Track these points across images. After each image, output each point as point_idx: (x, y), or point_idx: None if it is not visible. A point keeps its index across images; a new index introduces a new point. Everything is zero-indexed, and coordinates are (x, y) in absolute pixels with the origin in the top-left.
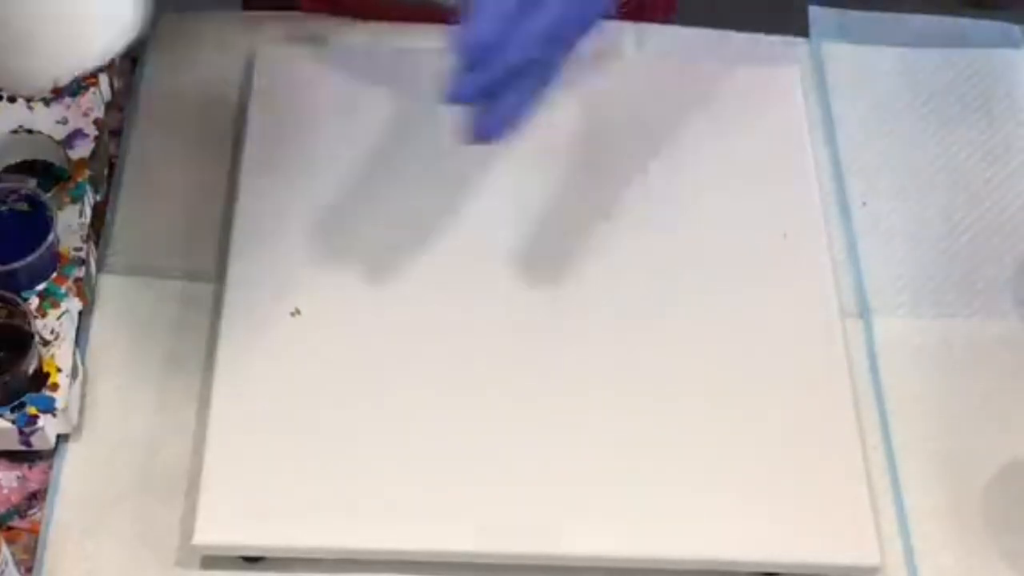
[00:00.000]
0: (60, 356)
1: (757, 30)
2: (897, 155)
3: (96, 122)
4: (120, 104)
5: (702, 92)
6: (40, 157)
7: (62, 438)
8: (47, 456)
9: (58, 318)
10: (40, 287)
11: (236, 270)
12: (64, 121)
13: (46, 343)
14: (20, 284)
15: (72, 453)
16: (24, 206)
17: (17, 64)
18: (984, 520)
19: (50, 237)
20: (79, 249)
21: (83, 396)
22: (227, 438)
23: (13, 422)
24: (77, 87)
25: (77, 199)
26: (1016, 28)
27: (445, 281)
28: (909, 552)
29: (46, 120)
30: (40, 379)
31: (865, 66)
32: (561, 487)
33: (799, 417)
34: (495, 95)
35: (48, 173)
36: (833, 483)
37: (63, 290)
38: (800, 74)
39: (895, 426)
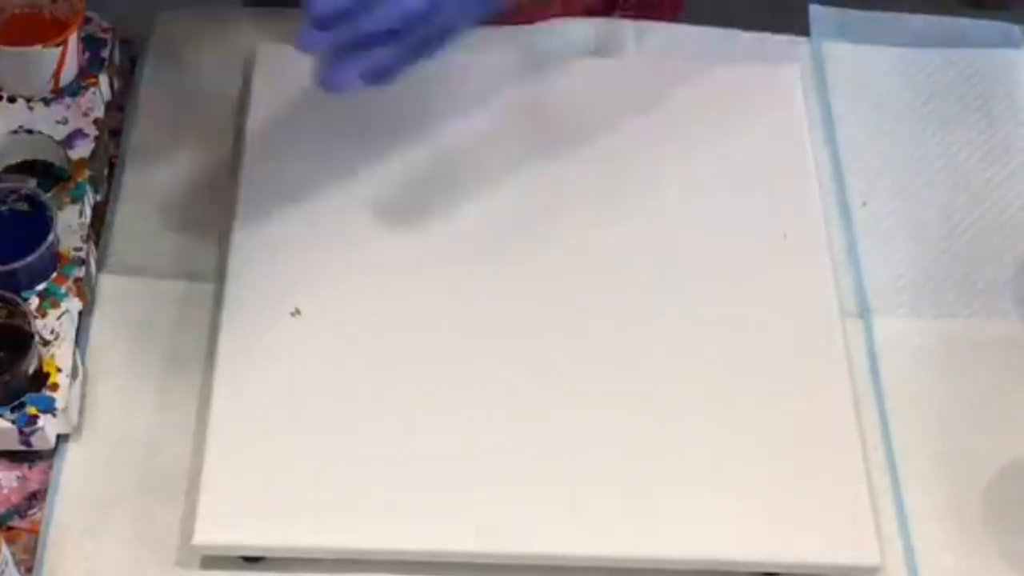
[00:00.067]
0: (60, 356)
1: (757, 29)
2: (897, 155)
3: (96, 122)
4: (120, 104)
5: (702, 92)
6: (40, 157)
7: (62, 438)
8: (47, 456)
9: (58, 318)
10: (40, 287)
11: (236, 270)
12: (64, 121)
13: (46, 343)
14: (20, 284)
15: (72, 453)
16: (24, 206)
17: None
18: (984, 520)
19: (50, 237)
20: (79, 249)
21: (83, 396)
22: (227, 438)
23: (13, 422)
24: (77, 87)
25: (77, 199)
26: (1016, 28)
27: (445, 281)
28: (909, 552)
29: (46, 120)
30: (40, 379)
31: (865, 66)
32: (561, 487)
33: (799, 417)
34: (347, 54)
35: (48, 173)
36: (833, 483)
37: (63, 290)
38: (800, 74)
39: (895, 426)
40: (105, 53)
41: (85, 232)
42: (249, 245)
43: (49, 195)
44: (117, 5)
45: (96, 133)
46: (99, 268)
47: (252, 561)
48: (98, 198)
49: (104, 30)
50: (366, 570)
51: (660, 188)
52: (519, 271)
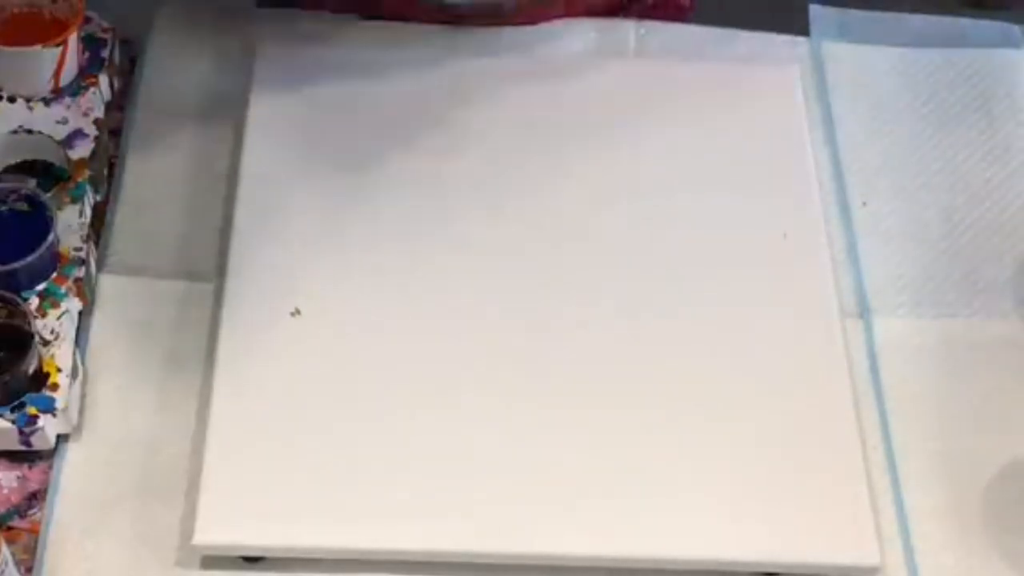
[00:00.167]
0: (60, 356)
1: (757, 29)
2: (897, 155)
3: (96, 122)
4: (120, 104)
5: (702, 92)
6: (40, 157)
7: (62, 438)
8: (47, 456)
9: (58, 318)
10: (40, 287)
11: (236, 270)
12: (64, 121)
13: (46, 343)
14: (20, 284)
15: (72, 453)
16: (24, 206)
17: None
18: (984, 520)
19: (50, 237)
20: (79, 249)
21: (83, 396)
22: (227, 438)
23: (13, 422)
24: (77, 87)
25: (77, 199)
26: (1016, 28)
27: (445, 282)
28: (909, 552)
29: (46, 120)
30: (40, 379)
31: (865, 66)
32: (561, 487)
33: (799, 417)
34: None
35: (48, 173)
36: (833, 483)
37: (63, 290)
38: (800, 74)
39: (895, 426)
40: (105, 53)
41: (85, 232)
42: (249, 245)
43: (49, 195)
44: (117, 5)
45: (96, 133)
46: (99, 268)
47: (252, 561)
48: (98, 198)
49: (104, 30)
50: (366, 570)
51: (660, 188)
52: (519, 271)
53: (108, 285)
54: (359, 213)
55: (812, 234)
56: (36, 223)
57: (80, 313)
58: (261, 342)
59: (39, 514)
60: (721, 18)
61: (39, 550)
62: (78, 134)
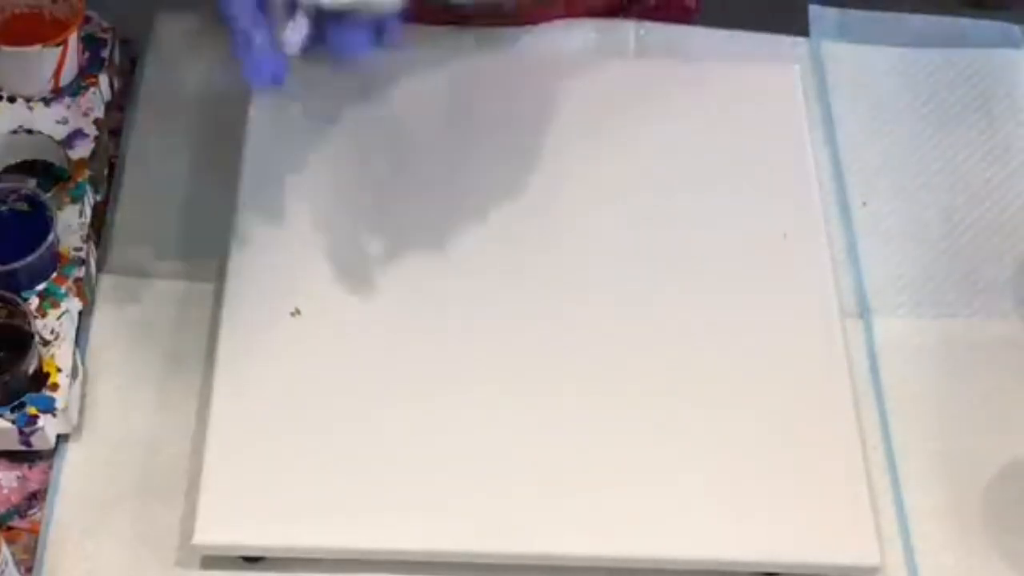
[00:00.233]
0: (60, 356)
1: (757, 29)
2: (897, 155)
3: (96, 122)
4: (120, 104)
5: (702, 92)
6: (40, 157)
7: (62, 438)
8: (47, 456)
9: (58, 318)
10: (40, 287)
11: (236, 270)
12: (64, 121)
13: (46, 343)
14: (20, 284)
15: (72, 453)
16: (24, 206)
17: None
18: (984, 520)
19: (50, 237)
20: (79, 249)
21: (83, 396)
22: (227, 438)
23: (13, 422)
24: (77, 87)
25: (77, 199)
26: (1016, 28)
27: (445, 281)
28: (909, 552)
29: (46, 120)
30: (40, 379)
31: (865, 66)
32: (561, 487)
33: (799, 417)
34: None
35: (48, 173)
36: (833, 483)
37: (63, 290)
38: (800, 74)
39: (895, 426)
40: (105, 53)
41: (85, 232)
42: (249, 245)
43: (49, 195)
44: (117, 5)
45: (96, 133)
46: (99, 268)
47: (252, 561)
48: (98, 198)
49: (104, 30)
50: (366, 570)
51: (660, 188)
52: (519, 271)
53: (108, 285)
54: (359, 213)
55: (812, 234)
56: (36, 223)
57: (80, 313)
58: (261, 342)
59: (39, 514)
60: (721, 18)
61: (39, 550)
62: (78, 134)
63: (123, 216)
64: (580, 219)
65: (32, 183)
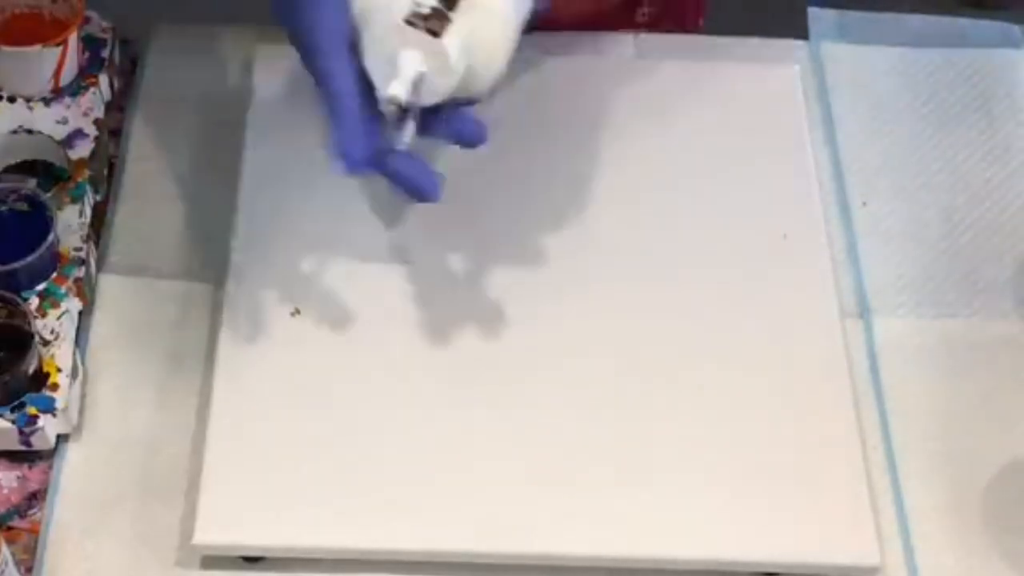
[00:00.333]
0: (60, 356)
1: (757, 30)
2: (897, 155)
3: (96, 122)
4: (120, 104)
5: (702, 92)
6: (40, 157)
7: (62, 438)
8: (47, 456)
9: (58, 318)
10: (40, 287)
11: (236, 270)
12: (64, 121)
13: (46, 343)
14: (20, 284)
15: (72, 453)
16: (24, 206)
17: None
18: (984, 520)
19: (50, 237)
20: (79, 249)
21: (83, 396)
22: (227, 438)
23: (13, 422)
24: (77, 87)
25: (77, 199)
26: (1016, 28)
27: (445, 281)
28: (909, 552)
29: (46, 120)
30: (40, 379)
31: (865, 66)
32: (561, 487)
33: (799, 417)
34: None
35: (48, 173)
36: (833, 483)
37: (63, 290)
38: (800, 74)
39: (895, 426)
40: (105, 53)
41: (85, 232)
42: (249, 245)
43: (49, 195)
44: (117, 5)
45: (96, 133)
46: (99, 268)
47: (252, 561)
48: (98, 198)
49: (104, 30)
50: (366, 570)
51: (660, 188)
52: (518, 270)
53: (108, 285)
54: (359, 213)
55: (812, 234)
56: (36, 223)
57: (80, 313)
58: (261, 342)
59: (39, 514)
60: (720, 21)
61: (39, 550)
62: (78, 134)
63: (123, 216)
64: (580, 219)
65: (32, 183)
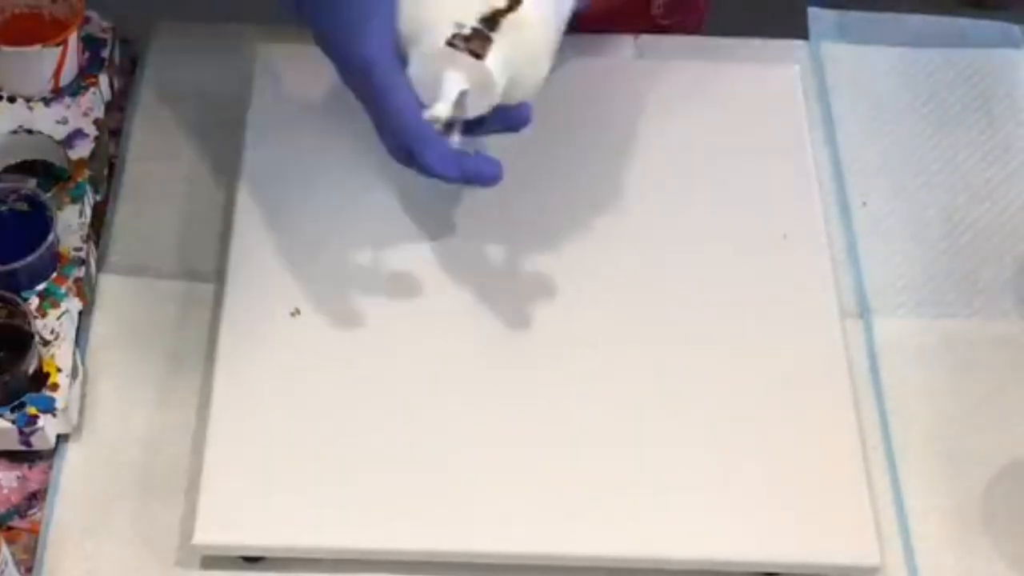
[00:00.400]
0: (60, 356)
1: (757, 31)
2: (897, 155)
3: (96, 122)
4: (120, 104)
5: (702, 92)
6: (40, 157)
7: (62, 438)
8: (47, 456)
9: (58, 318)
10: (40, 287)
11: (236, 270)
12: (64, 121)
13: (46, 343)
14: (20, 284)
15: (72, 453)
16: (24, 206)
17: None
18: (984, 520)
19: (50, 237)
20: (79, 249)
21: (83, 396)
22: (227, 438)
23: (13, 422)
24: (77, 87)
25: (77, 199)
26: (1016, 28)
27: (445, 281)
28: (909, 552)
29: (46, 120)
30: (40, 379)
31: (865, 66)
32: (561, 487)
33: (799, 417)
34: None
35: (48, 173)
36: (833, 483)
37: (63, 290)
38: (800, 74)
39: (895, 426)
40: (105, 53)
41: (85, 232)
42: (249, 245)
43: (49, 195)
44: (117, 5)
45: (96, 133)
46: (99, 268)
47: (252, 561)
48: (98, 198)
49: (104, 30)
50: (366, 570)
51: (659, 188)
52: (520, 268)
53: (108, 285)
54: (359, 213)
55: (812, 234)
56: (36, 223)
57: (80, 313)
58: (261, 342)
59: (39, 514)
60: (720, 22)
61: (39, 550)
62: (78, 134)
63: (123, 216)
64: (579, 219)
65: (32, 183)
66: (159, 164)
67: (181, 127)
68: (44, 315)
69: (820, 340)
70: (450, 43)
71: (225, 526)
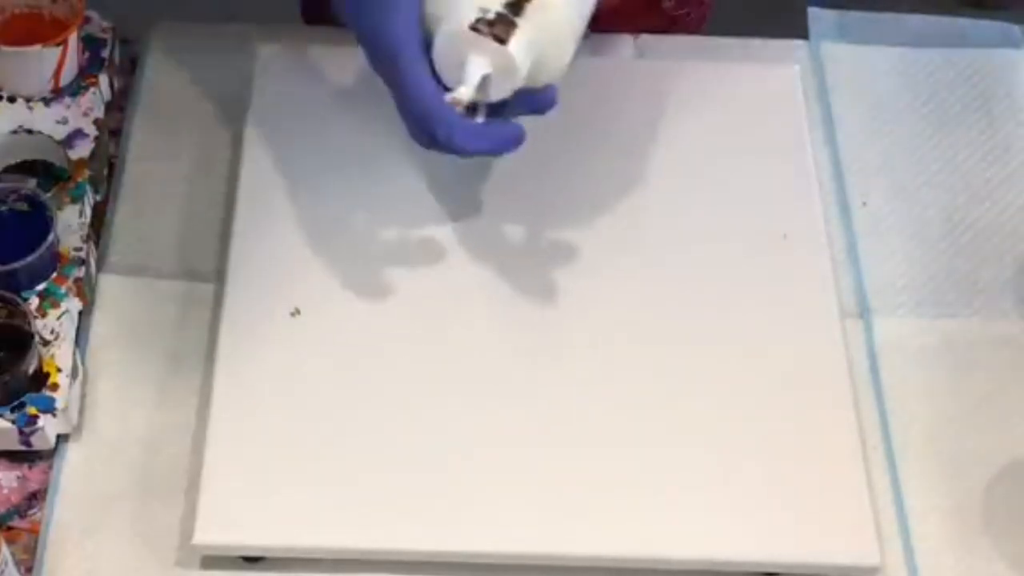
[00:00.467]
0: (60, 356)
1: (757, 31)
2: (897, 155)
3: (96, 122)
4: (120, 104)
5: (702, 92)
6: (40, 157)
7: (62, 438)
8: (47, 456)
9: (58, 318)
10: (40, 287)
11: (236, 270)
12: (64, 121)
13: (46, 343)
14: (20, 284)
15: (72, 453)
16: (24, 206)
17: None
18: (984, 520)
19: (50, 237)
20: (79, 249)
21: (83, 396)
22: (227, 438)
23: (13, 422)
24: (77, 87)
25: (77, 199)
26: (1016, 28)
27: (445, 281)
28: (909, 552)
29: (46, 120)
30: (40, 379)
31: (865, 66)
32: (561, 487)
33: (799, 417)
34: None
35: (48, 173)
36: (833, 483)
37: (63, 290)
38: (800, 74)
39: (895, 426)
40: (105, 53)
41: (85, 232)
42: (249, 245)
43: (49, 195)
44: (117, 5)
45: (96, 133)
46: (99, 268)
47: (252, 561)
48: (98, 198)
49: (104, 30)
50: (366, 570)
51: (660, 188)
52: (520, 268)
53: (108, 285)
54: (359, 213)
55: (812, 234)
56: (36, 223)
57: (80, 313)
58: (261, 342)
59: (39, 514)
60: (720, 22)
61: (39, 550)
62: (78, 134)
63: (123, 216)
64: (578, 219)
65: (32, 183)
66: (159, 164)
67: (181, 127)
68: (44, 315)
69: (820, 340)
70: (474, 27)
71: (225, 526)
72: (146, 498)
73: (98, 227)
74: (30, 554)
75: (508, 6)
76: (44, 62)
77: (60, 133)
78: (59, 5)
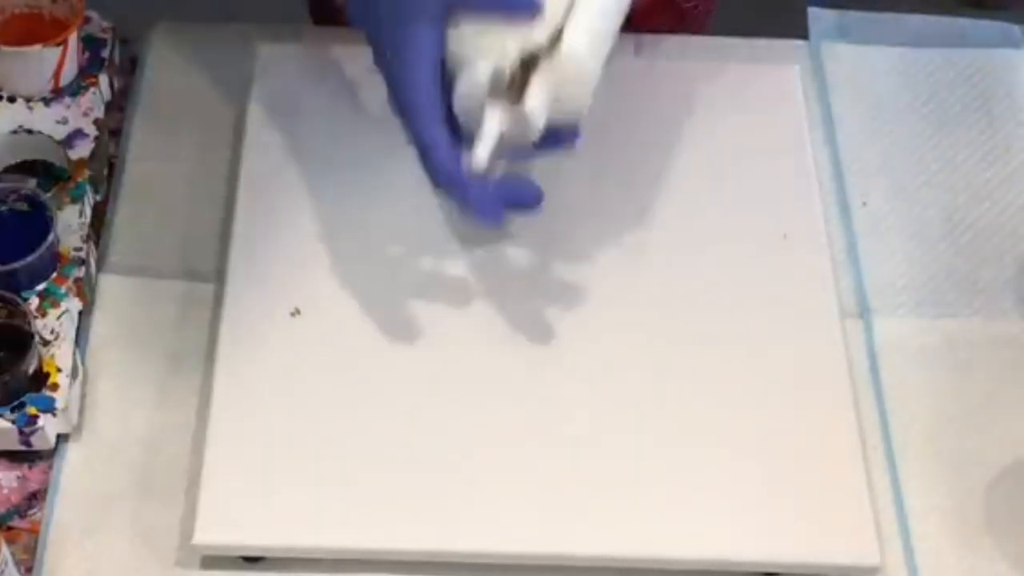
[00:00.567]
0: (60, 356)
1: (757, 31)
2: (897, 155)
3: (96, 122)
4: (120, 104)
5: (702, 92)
6: (40, 157)
7: (62, 438)
8: (47, 456)
9: (58, 318)
10: (40, 287)
11: (236, 270)
12: (64, 121)
13: (46, 343)
14: (20, 284)
15: (72, 453)
16: (24, 206)
17: None
18: (985, 520)
19: (50, 237)
20: (79, 249)
21: (83, 396)
22: (227, 438)
23: (13, 422)
24: (77, 87)
25: (77, 199)
26: (1016, 28)
27: (445, 281)
28: (909, 552)
29: (46, 120)
30: (40, 379)
31: (865, 66)
32: (562, 487)
33: (799, 417)
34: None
35: (48, 173)
36: (833, 483)
37: (63, 290)
38: (800, 74)
39: (895, 426)
40: (105, 53)
41: (85, 232)
42: (249, 245)
43: (49, 195)
44: (117, 5)
45: (96, 133)
46: (99, 268)
47: (252, 561)
48: (98, 198)
49: (104, 30)
50: (366, 570)
51: (660, 188)
52: (516, 270)
53: (108, 285)
54: (359, 213)
55: (812, 234)
56: (36, 223)
57: (80, 313)
58: (261, 342)
59: (39, 514)
60: (720, 22)
61: (39, 550)
62: (78, 134)
63: (123, 216)
64: (578, 218)
65: (32, 183)
66: (159, 164)
67: (181, 127)
68: (44, 315)
69: (820, 340)
70: (490, 88)
71: (225, 526)
72: (146, 498)
73: (98, 227)
74: (30, 554)
75: (523, 64)
76: (44, 62)
77: (60, 133)
78: (59, 5)
